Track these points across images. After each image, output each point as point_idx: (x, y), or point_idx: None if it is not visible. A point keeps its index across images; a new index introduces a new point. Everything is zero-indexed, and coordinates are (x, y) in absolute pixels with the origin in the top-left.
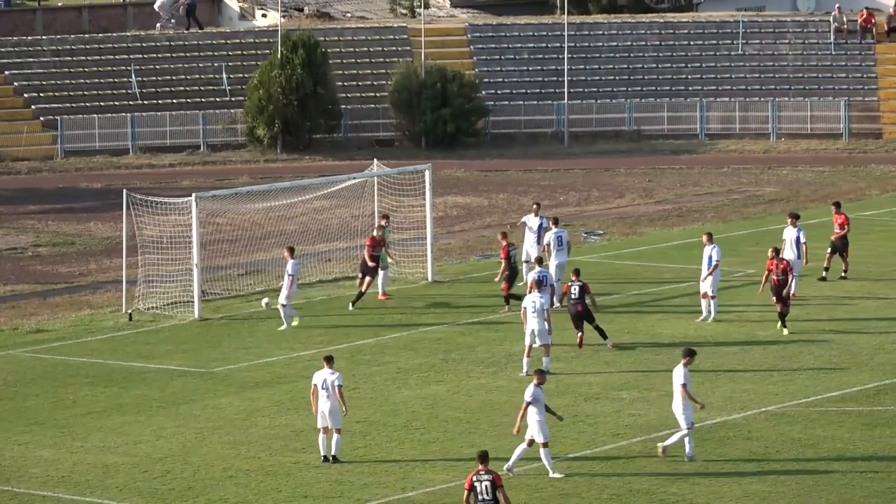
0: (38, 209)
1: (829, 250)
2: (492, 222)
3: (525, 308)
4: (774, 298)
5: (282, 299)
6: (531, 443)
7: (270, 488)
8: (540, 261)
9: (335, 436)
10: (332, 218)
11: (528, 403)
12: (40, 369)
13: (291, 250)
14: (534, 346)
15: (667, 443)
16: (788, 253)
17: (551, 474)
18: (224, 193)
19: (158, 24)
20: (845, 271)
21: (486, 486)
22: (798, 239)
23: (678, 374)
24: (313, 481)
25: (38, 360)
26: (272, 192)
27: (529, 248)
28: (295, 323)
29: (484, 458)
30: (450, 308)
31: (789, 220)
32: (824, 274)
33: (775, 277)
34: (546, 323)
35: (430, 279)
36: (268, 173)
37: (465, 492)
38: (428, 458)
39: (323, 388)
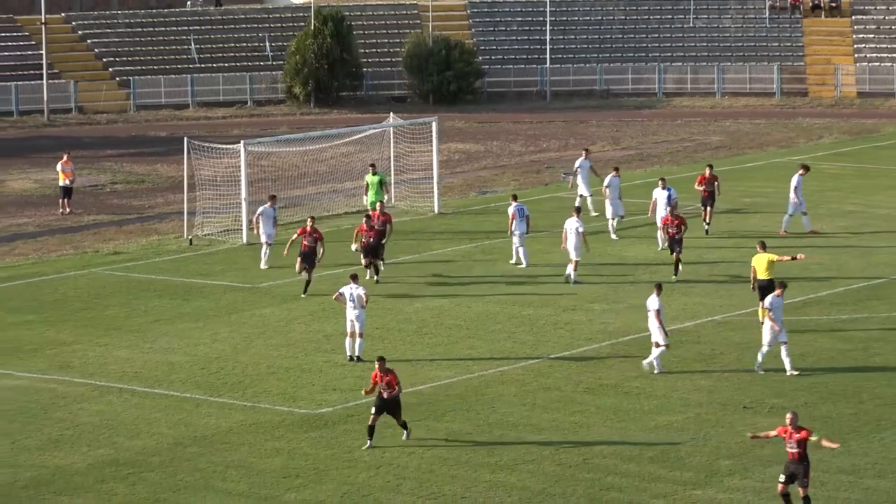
0: (114, 153)
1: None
2: (487, 164)
3: (567, 230)
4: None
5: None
6: (657, 344)
7: (306, 382)
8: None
9: (359, 339)
10: (356, 161)
11: (657, 311)
12: (117, 284)
13: (273, 198)
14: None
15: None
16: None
17: (656, 371)
18: (267, 140)
19: (189, 2)
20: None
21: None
22: (670, 197)
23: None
24: (340, 377)
25: (115, 276)
26: (306, 140)
27: (582, 187)
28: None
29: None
30: (453, 235)
31: (660, 183)
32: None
33: (671, 230)
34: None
35: (436, 211)
36: (303, 124)
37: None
38: (434, 358)
39: (350, 300)
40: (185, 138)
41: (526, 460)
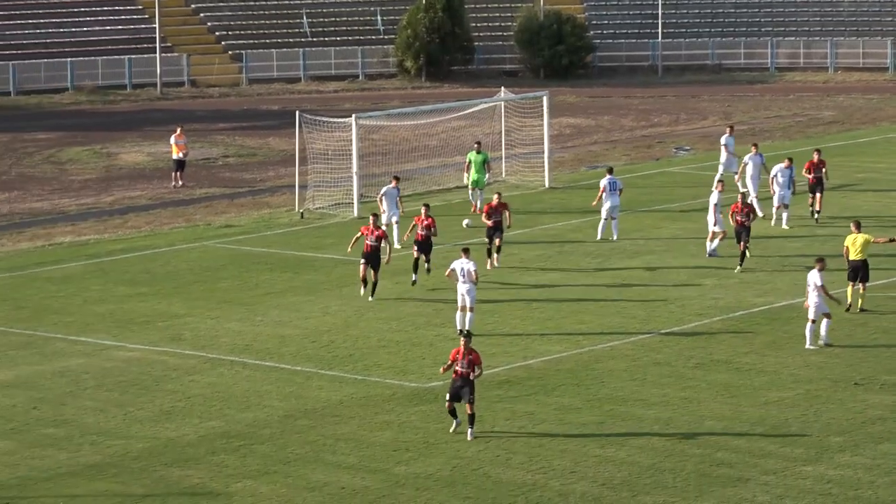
0: (226, 126)
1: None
2: (597, 139)
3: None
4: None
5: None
6: (828, 316)
7: (416, 356)
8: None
9: (469, 314)
10: (466, 135)
11: (820, 286)
12: (228, 257)
13: (397, 179)
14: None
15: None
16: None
17: (807, 345)
18: (378, 114)
19: None
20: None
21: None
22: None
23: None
24: (450, 351)
25: (227, 249)
26: (417, 114)
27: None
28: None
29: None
30: (563, 209)
31: (753, 149)
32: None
33: (740, 218)
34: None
35: (546, 186)
36: (414, 98)
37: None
38: (544, 332)
39: (461, 275)
40: (297, 112)
41: (635, 435)
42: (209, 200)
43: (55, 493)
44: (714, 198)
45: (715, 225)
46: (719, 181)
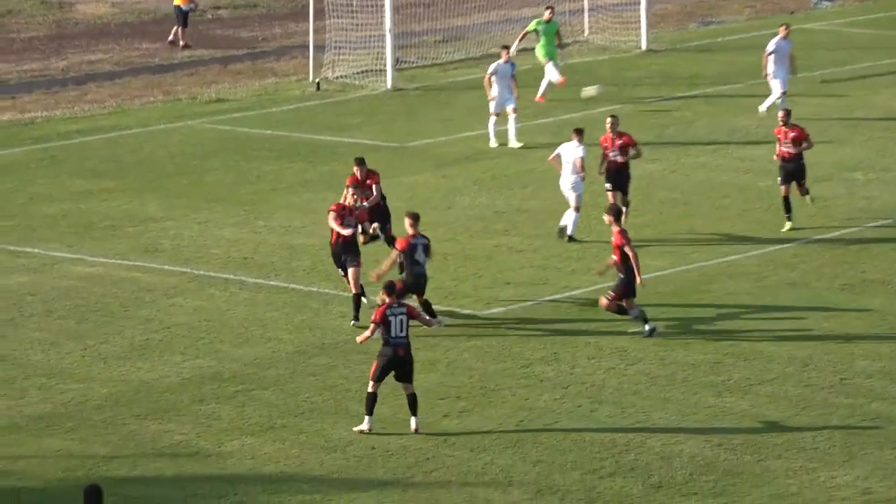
0: None
1: None
2: None
3: None
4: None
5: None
6: None
7: (470, 273)
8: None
9: (574, 214)
10: None
11: None
12: (221, 141)
13: (506, 49)
14: None
15: None
16: None
17: None
18: None
19: None
20: None
21: (401, 321)
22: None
23: None
24: (516, 266)
25: (219, 131)
26: None
27: None
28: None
29: (391, 289)
30: (666, 79)
31: None
32: None
33: (784, 149)
34: None
35: (643, 48)
36: None
37: (373, 325)
38: (642, 242)
39: (566, 162)
40: None
41: (762, 380)
42: (195, 66)
43: None
44: None
45: None
46: None
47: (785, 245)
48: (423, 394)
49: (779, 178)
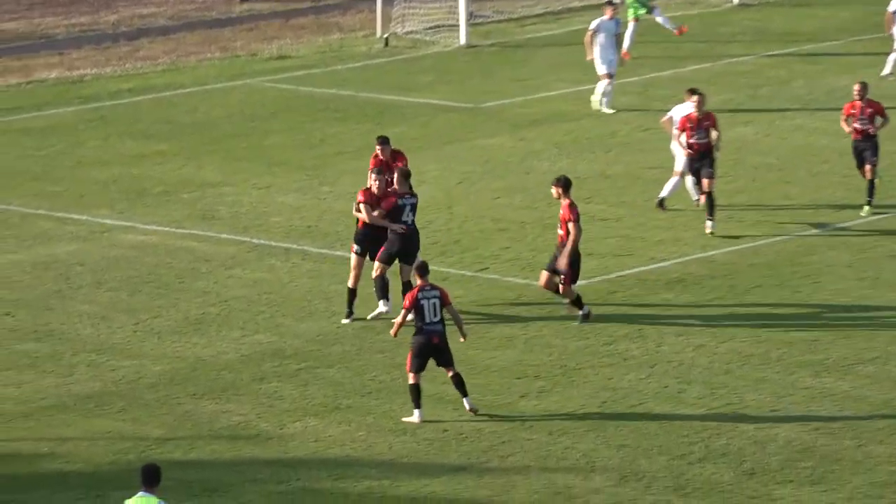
0: None
1: None
2: None
3: None
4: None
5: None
6: None
7: (548, 245)
8: None
9: (676, 179)
10: None
11: None
12: (282, 101)
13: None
14: None
15: None
16: None
17: None
18: None
19: None
20: None
21: (434, 305)
22: None
23: None
24: (599, 236)
25: (280, 90)
26: None
27: None
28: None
29: (424, 270)
30: (760, 35)
31: None
32: None
33: (858, 125)
34: None
35: (735, 1)
36: None
37: (403, 311)
38: (733, 210)
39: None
40: None
41: (863, 359)
42: (254, 21)
43: (36, 434)
44: None
45: None
46: None
47: (888, 213)
48: (499, 372)
49: (855, 161)
